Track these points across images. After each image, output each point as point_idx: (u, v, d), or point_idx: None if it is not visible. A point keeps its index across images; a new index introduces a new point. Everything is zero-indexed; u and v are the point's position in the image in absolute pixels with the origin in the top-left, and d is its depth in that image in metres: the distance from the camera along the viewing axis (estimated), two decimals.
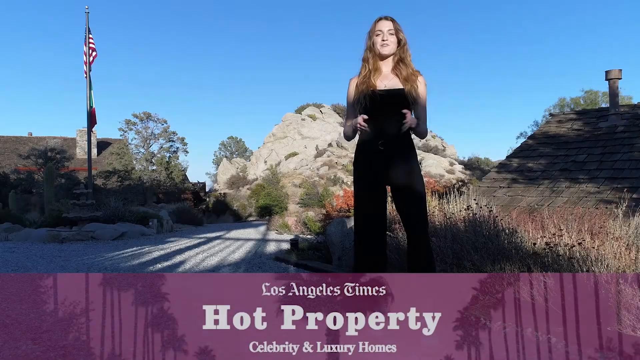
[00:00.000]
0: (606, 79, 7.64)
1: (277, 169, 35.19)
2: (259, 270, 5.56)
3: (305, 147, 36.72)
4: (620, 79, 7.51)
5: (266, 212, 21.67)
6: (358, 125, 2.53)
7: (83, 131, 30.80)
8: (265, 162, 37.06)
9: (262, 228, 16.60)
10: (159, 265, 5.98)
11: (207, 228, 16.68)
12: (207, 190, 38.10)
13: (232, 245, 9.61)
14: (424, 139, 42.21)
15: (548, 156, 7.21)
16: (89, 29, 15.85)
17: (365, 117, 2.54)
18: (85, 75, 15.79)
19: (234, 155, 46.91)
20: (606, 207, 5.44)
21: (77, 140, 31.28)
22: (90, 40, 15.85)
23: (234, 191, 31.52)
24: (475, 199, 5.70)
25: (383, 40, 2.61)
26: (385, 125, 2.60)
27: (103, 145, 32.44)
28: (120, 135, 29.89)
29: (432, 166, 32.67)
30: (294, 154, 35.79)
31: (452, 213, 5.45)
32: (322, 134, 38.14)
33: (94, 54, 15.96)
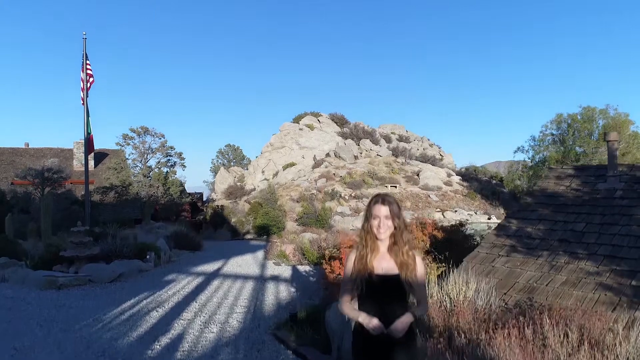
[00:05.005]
0: (604, 140, 7.66)
1: (275, 180, 35.16)
2: (257, 355, 5.55)
3: (303, 157, 36.69)
4: (618, 141, 7.53)
5: (264, 232, 21.66)
6: (371, 327, 2.54)
7: (80, 143, 30.70)
8: (263, 172, 37.02)
9: (260, 254, 16.59)
10: (158, 347, 5.93)
11: (205, 254, 16.65)
12: (204, 199, 38.06)
13: (230, 293, 9.59)
14: (423, 148, 42.03)
15: (547, 220, 7.21)
16: (86, 55, 15.78)
17: (377, 322, 2.54)
18: (82, 102, 15.74)
19: (232, 163, 46.83)
20: (605, 294, 5.45)
21: (74, 152, 31.21)
22: (88, 67, 15.78)
23: (232, 203, 31.47)
24: (476, 286, 5.68)
25: (380, 226, 2.63)
26: (384, 311, 2.61)
27: (100, 156, 32.34)
28: (116, 144, 29.80)
29: (429, 178, 32.70)
30: (292, 165, 35.76)
31: (454, 305, 5.43)
32: (320, 143, 38.13)
33: (91, 79, 15.90)
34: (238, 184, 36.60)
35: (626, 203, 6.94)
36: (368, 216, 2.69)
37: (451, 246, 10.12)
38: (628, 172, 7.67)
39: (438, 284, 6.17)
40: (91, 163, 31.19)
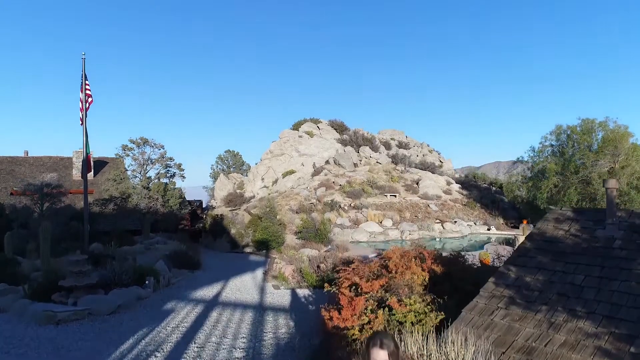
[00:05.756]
0: (604, 187, 7.65)
1: (274, 187, 35.15)
2: None
3: (303, 164, 36.66)
4: (617, 188, 7.51)
5: (263, 246, 21.66)
6: None
7: (79, 152, 30.76)
8: (263, 179, 37.01)
9: (259, 274, 16.58)
10: None
11: (204, 274, 16.64)
12: (204, 206, 38.04)
13: (228, 329, 9.59)
14: (423, 155, 41.93)
15: (546, 270, 7.20)
16: (85, 75, 15.74)
17: None
18: (81, 123, 15.72)
19: (231, 169, 46.82)
20: None
21: (74, 161, 31.22)
22: (87, 87, 15.74)
23: (232, 212, 31.45)
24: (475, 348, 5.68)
25: None
26: None
27: (99, 164, 32.34)
28: (115, 155, 29.76)
29: (429, 187, 32.70)
30: (291, 172, 35.74)
31: None
32: (320, 150, 38.11)
33: (90, 99, 15.86)
34: (238, 191, 36.59)
35: (625, 255, 6.93)
36: (366, 358, 2.69)
37: (450, 279, 10.14)
38: (627, 218, 7.67)
39: (436, 342, 6.17)
40: (90, 172, 31.25)
